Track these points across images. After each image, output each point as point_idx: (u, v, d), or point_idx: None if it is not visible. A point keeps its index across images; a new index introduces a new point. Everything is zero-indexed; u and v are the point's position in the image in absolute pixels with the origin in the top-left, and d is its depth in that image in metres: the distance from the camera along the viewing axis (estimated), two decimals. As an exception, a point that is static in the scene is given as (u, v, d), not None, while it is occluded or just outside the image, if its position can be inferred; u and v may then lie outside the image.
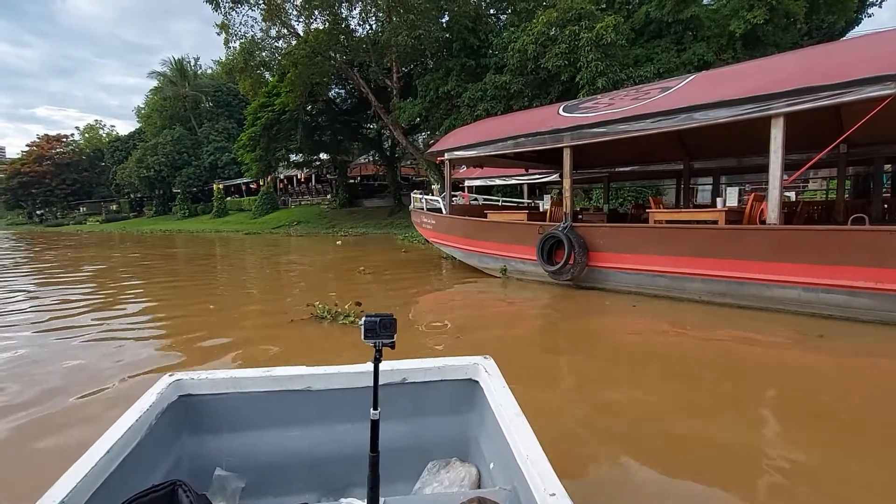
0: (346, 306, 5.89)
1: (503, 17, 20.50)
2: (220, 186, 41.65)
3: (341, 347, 4.69)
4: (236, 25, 21.65)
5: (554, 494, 1.16)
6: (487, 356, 1.97)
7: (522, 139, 7.98)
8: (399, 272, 10.27)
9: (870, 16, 19.29)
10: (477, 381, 1.91)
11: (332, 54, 21.22)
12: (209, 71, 53.08)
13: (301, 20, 21.31)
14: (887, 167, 11.42)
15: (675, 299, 6.22)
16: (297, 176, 42.43)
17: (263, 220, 34.13)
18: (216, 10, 20.69)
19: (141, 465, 1.50)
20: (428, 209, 10.85)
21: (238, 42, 21.83)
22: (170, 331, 5.50)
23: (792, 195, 15.96)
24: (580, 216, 10.78)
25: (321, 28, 21.05)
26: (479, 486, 1.82)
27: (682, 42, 14.98)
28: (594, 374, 3.93)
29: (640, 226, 7.30)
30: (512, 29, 17.30)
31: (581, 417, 3.07)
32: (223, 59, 24.16)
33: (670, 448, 2.60)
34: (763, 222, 5.68)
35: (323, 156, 33.63)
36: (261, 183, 39.83)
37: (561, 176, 7.81)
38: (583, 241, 6.96)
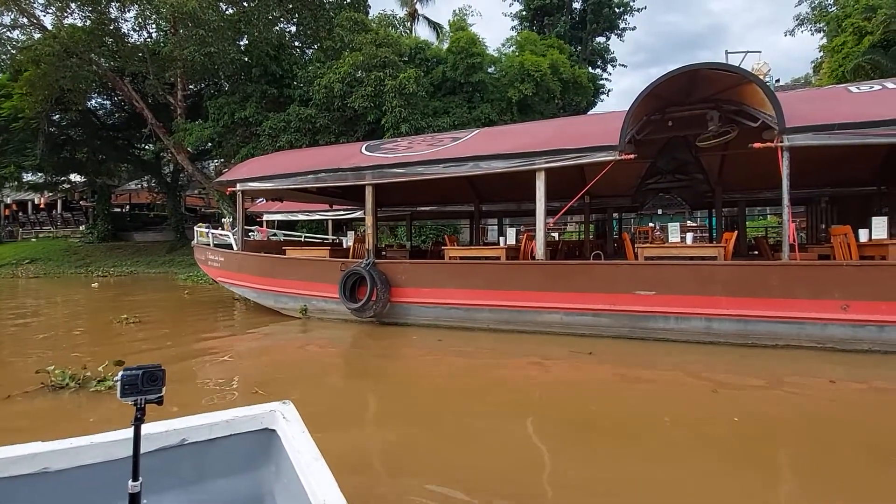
0: (102, 367, 4.62)
1: (309, 52, 20.26)
2: None
3: (96, 423, 3.59)
4: (-59, 1, 16.34)
5: None
6: (287, 401, 1.84)
7: (324, 174, 7.79)
8: (180, 318, 8.72)
9: (602, 101, 28.96)
10: (274, 430, 1.75)
11: (94, 57, 17.64)
12: None
13: (51, 11, 17.26)
14: (616, 215, 14.90)
15: (469, 329, 6.69)
16: (33, 200, 33.22)
17: (-26, 256, 25.42)
18: None
19: None
20: (216, 245, 9.58)
21: (-56, 23, 16.50)
22: None
23: (556, 235, 19.48)
24: (384, 252, 10.99)
25: (80, 25, 17.39)
26: None
27: (473, 101, 17.24)
28: (401, 412, 3.86)
29: (437, 262, 7.78)
30: (318, 64, 17.22)
31: (387, 459, 2.99)
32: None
33: (463, 472, 2.66)
34: (533, 258, 6.64)
35: (76, 177, 27.04)
36: (-31, 208, 29.90)
37: (365, 213, 7.85)
38: (385, 278, 7.03)
